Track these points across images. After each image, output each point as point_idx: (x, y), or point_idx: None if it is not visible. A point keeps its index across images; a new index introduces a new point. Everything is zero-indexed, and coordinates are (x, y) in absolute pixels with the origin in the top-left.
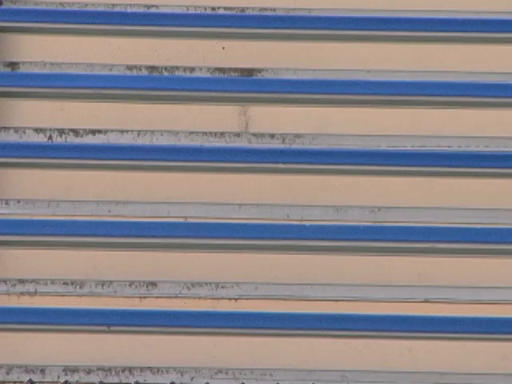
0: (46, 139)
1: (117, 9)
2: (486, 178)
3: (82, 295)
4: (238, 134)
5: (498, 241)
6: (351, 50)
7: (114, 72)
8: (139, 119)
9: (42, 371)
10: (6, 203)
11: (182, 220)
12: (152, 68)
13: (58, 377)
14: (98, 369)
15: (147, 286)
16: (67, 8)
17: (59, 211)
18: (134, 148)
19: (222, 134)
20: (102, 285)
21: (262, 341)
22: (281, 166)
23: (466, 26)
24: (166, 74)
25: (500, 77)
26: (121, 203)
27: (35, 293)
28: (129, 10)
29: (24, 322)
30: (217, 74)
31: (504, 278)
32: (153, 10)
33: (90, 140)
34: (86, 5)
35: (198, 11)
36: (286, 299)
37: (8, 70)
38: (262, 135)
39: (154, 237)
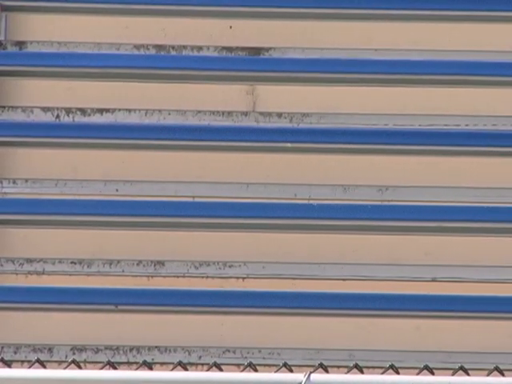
0: (53, 118)
1: None
2: (494, 156)
3: (90, 274)
4: (245, 113)
5: (505, 219)
6: (359, 29)
7: (122, 51)
8: (147, 98)
9: (50, 350)
10: (14, 182)
11: (189, 199)
12: (159, 47)
13: (66, 356)
14: (106, 348)
15: (155, 265)
16: None
17: (67, 190)
18: (141, 127)
19: (230, 113)
20: (110, 264)
21: (270, 320)
22: (288, 145)
23: (474, 5)
24: (173, 52)
25: (508, 55)
26: (128, 182)
27: (43, 272)
28: None
29: (32, 302)
30: (224, 53)
31: (511, 257)
32: None
33: (97, 119)
34: None
35: None
36: (293, 278)
37: (16, 49)
38: (270, 114)
39: (161, 216)
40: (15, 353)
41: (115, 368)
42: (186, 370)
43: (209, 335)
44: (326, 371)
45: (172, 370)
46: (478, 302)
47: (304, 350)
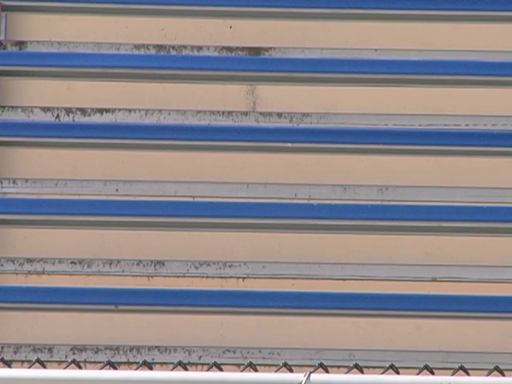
0: (53, 118)
1: None
2: (494, 156)
3: (90, 274)
4: (245, 113)
5: (505, 219)
6: (359, 29)
7: (122, 51)
8: (147, 98)
9: (50, 350)
10: (14, 182)
11: (189, 199)
12: (159, 47)
13: (66, 356)
14: (106, 348)
15: (155, 265)
16: None
17: (67, 190)
18: (141, 127)
19: (230, 113)
20: (110, 264)
21: (270, 320)
22: (288, 145)
23: (474, 5)
24: (173, 52)
25: (508, 55)
26: (128, 182)
27: (43, 272)
28: None
29: (32, 302)
30: (224, 53)
31: (511, 257)
32: None
33: (97, 119)
34: None
35: None
36: (293, 278)
37: (16, 49)
38: (270, 114)
39: (161, 216)
40: (15, 353)
41: (115, 368)
42: (186, 369)
43: (209, 335)
44: (326, 371)
45: (172, 370)
46: (478, 301)
47: (304, 349)
